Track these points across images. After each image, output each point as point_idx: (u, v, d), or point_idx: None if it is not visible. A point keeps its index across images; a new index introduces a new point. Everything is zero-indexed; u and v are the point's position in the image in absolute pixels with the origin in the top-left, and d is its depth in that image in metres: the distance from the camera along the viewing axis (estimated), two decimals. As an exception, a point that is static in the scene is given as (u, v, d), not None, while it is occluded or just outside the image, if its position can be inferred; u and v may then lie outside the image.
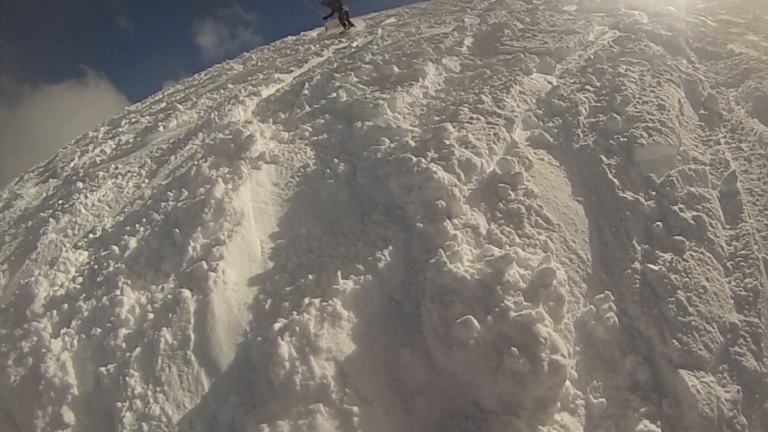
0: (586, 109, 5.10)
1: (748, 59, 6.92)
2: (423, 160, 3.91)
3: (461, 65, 7.13)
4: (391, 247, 3.32)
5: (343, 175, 4.41)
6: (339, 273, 3.15)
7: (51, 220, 5.60)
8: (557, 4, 12.53)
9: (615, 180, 3.87)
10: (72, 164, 8.44)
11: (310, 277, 3.28)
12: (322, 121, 5.71)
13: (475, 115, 4.90)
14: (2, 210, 7.63)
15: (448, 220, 3.28)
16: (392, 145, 4.54)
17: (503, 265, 2.68)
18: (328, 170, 4.55)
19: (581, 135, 4.62)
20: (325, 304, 2.89)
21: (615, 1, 12.37)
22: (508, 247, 3.06)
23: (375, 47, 9.43)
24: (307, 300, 3.00)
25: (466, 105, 5.20)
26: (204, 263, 3.51)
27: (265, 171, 4.82)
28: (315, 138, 5.34)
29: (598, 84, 5.77)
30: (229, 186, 4.40)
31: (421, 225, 3.35)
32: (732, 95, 5.98)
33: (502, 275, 2.63)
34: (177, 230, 4.07)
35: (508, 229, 3.30)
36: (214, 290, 3.27)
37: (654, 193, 3.78)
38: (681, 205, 3.62)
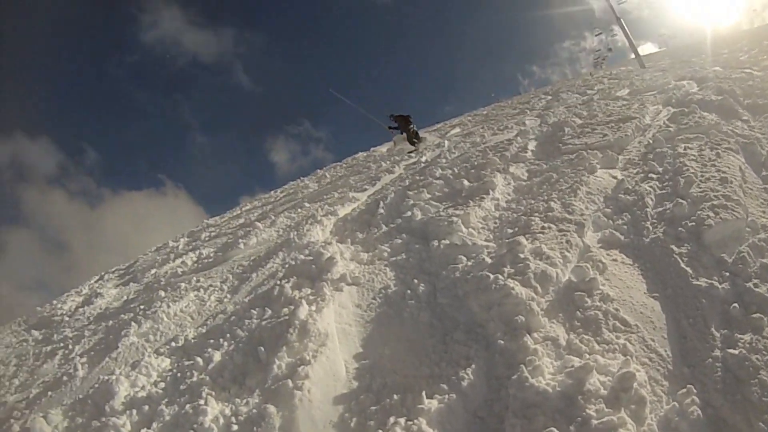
0: (652, 199, 5.26)
1: (799, 103, 6.90)
2: (500, 277, 4.13)
3: (528, 171, 7.47)
4: (473, 366, 3.47)
5: (423, 296, 4.61)
6: (423, 393, 3.29)
7: (133, 323, 5.81)
8: (610, 90, 12.88)
9: (688, 268, 3.95)
10: (153, 271, 8.91)
11: (395, 396, 3.43)
12: (400, 241, 5.98)
13: (546, 224, 5.13)
14: (82, 305, 8.09)
15: (528, 335, 3.46)
16: (469, 263, 4.76)
17: (583, 374, 2.87)
18: (408, 291, 4.74)
19: (650, 228, 4.74)
20: (410, 423, 3.06)
21: (664, 76, 12.59)
22: (587, 356, 3.20)
23: (444, 161, 9.95)
24: (392, 419, 3.16)
25: (537, 214, 5.44)
26: (289, 381, 3.62)
27: (347, 292, 4.99)
28: (394, 258, 5.58)
29: (660, 169, 5.96)
30: (313, 308, 4.59)
31: (502, 342, 3.55)
32: (790, 147, 5.95)
33: (583, 385, 2.81)
34: (262, 348, 4.21)
35: (586, 337, 3.43)
36: (299, 407, 3.43)
37: (727, 273, 3.81)
38: (755, 281, 3.64)
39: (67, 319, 7.60)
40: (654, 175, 5.86)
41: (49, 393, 4.83)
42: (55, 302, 9.21)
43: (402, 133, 16.80)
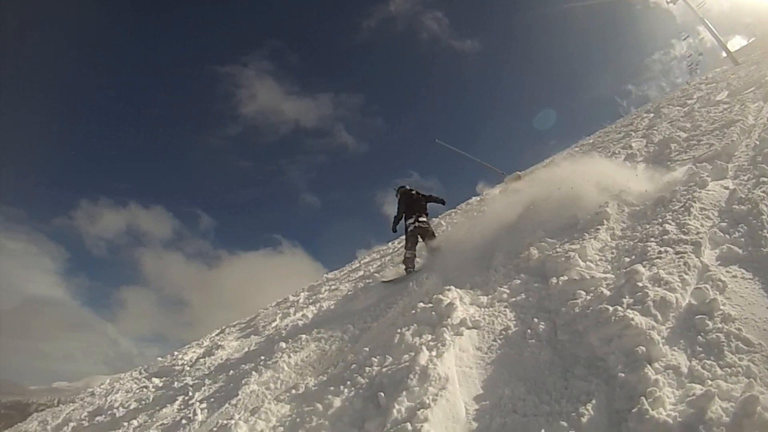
0: (766, 206, 4.86)
1: None
2: (619, 308, 3.97)
3: (640, 195, 7.01)
4: (594, 401, 3.32)
5: (543, 334, 4.39)
6: (543, 431, 3.23)
7: (254, 373, 5.90)
8: (709, 96, 11.93)
9: (811, 274, 3.58)
10: (274, 324, 9.09)
11: (514, 436, 3.29)
12: (518, 281, 5.75)
13: (663, 248, 4.86)
14: (203, 356, 8.37)
15: (648, 366, 3.33)
16: (588, 297, 4.57)
17: (705, 402, 2.77)
18: (528, 330, 4.53)
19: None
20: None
21: (759, 69, 11.44)
22: (709, 382, 3.05)
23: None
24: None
25: (653, 239, 5.17)
26: (408, 424, 3.55)
27: (467, 336, 4.83)
28: (513, 299, 5.36)
29: (771, 171, 5.45)
30: (433, 353, 4.49)
31: (622, 375, 3.40)
32: None
33: (705, 413, 2.70)
34: (382, 394, 4.14)
35: (709, 362, 3.24)
36: (418, 450, 3.36)
37: None
38: None
39: (188, 368, 8.03)
40: (766, 179, 5.43)
41: (167, 434, 5.04)
42: (176, 353, 9.84)
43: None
